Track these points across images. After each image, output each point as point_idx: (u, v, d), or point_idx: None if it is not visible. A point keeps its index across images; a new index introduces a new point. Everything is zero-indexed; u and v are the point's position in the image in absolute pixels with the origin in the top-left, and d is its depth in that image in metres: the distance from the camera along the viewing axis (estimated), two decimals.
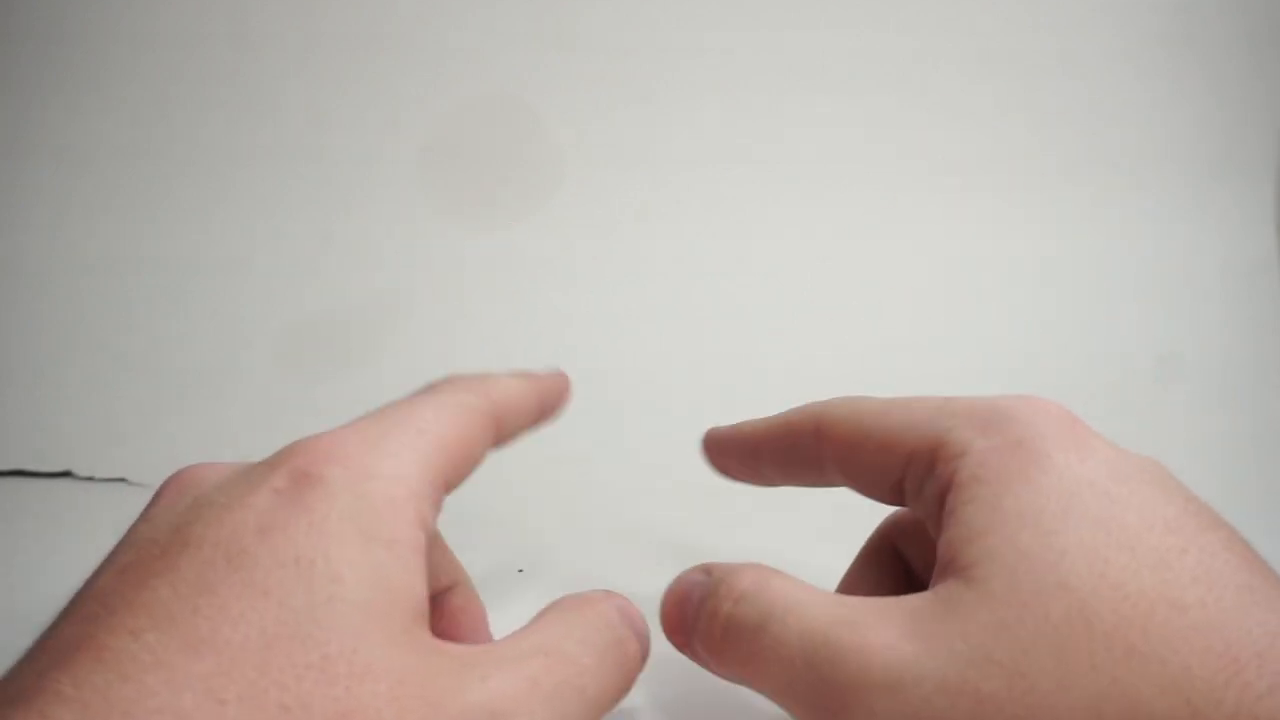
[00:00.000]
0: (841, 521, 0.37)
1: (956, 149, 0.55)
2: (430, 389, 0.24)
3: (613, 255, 0.53)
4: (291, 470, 0.20)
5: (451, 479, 0.22)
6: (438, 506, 0.22)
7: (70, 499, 0.41)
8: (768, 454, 0.27)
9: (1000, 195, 0.54)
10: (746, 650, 0.22)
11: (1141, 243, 0.54)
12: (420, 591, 0.20)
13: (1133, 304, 0.52)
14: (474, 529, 0.37)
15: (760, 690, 0.22)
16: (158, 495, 0.21)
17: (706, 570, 0.24)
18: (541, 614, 0.22)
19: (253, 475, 0.20)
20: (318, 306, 0.51)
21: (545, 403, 0.27)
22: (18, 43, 0.53)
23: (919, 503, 0.23)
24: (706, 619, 0.23)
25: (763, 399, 0.46)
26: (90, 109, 0.53)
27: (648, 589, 0.34)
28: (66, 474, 0.38)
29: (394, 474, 0.21)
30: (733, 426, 0.28)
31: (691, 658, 0.24)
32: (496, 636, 0.23)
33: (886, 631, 0.20)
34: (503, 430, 0.25)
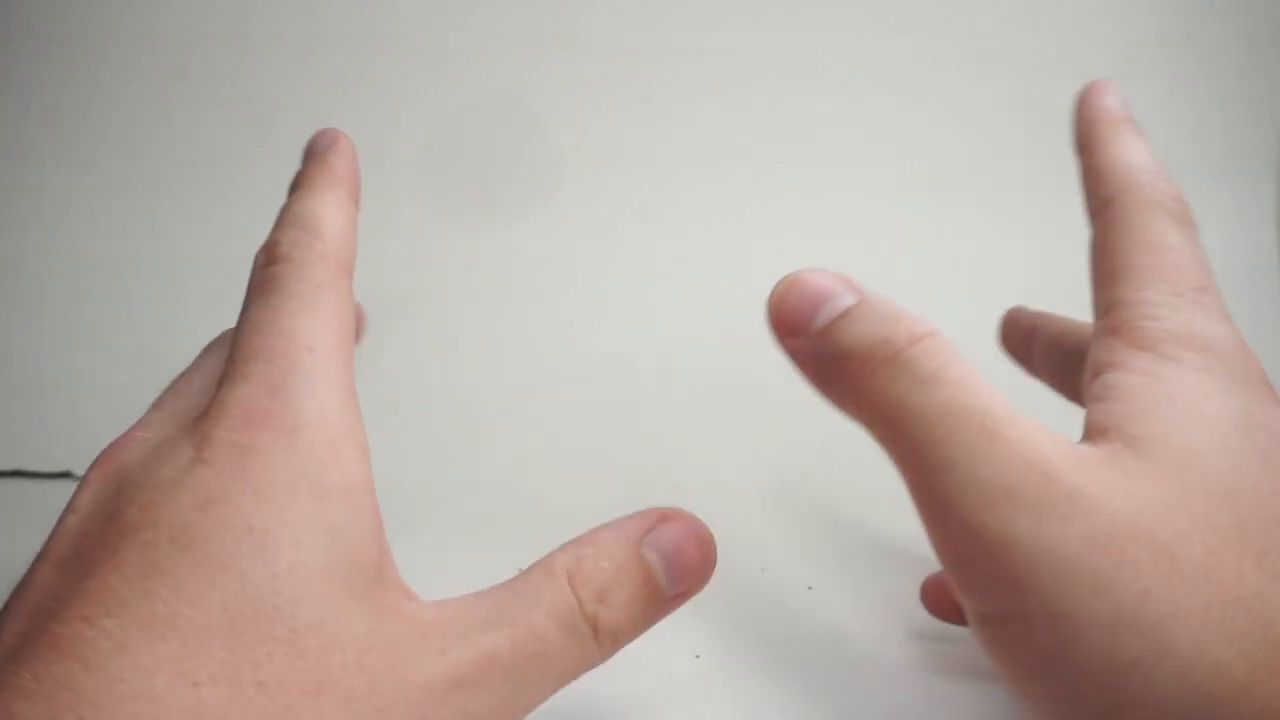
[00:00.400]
0: (847, 528, 0.37)
1: (956, 149, 0.55)
2: (272, 289, 0.22)
3: (613, 255, 0.53)
4: (218, 443, 0.19)
5: (353, 356, 0.22)
6: (355, 393, 0.21)
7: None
8: (1082, 164, 0.27)
9: (1000, 195, 0.54)
10: (900, 398, 0.20)
11: None
12: (378, 537, 0.20)
13: None
14: (476, 528, 0.37)
15: (884, 442, 0.21)
16: (82, 485, 0.20)
17: (850, 286, 0.22)
18: (528, 571, 0.21)
19: (176, 452, 0.20)
20: None
21: (356, 192, 0.25)
22: (18, 43, 0.53)
23: (1091, 352, 0.23)
24: (866, 347, 0.21)
25: (763, 398, 0.46)
26: (90, 109, 0.53)
27: None
28: (66, 474, 0.38)
29: (319, 415, 0.20)
30: (1094, 124, 0.28)
31: (790, 351, 0.22)
32: None
33: (1057, 458, 0.19)
34: (352, 263, 0.23)
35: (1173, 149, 0.56)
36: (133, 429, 0.22)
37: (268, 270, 0.22)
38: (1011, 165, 0.55)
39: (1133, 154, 0.26)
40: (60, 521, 0.20)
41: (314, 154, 0.26)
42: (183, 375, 0.25)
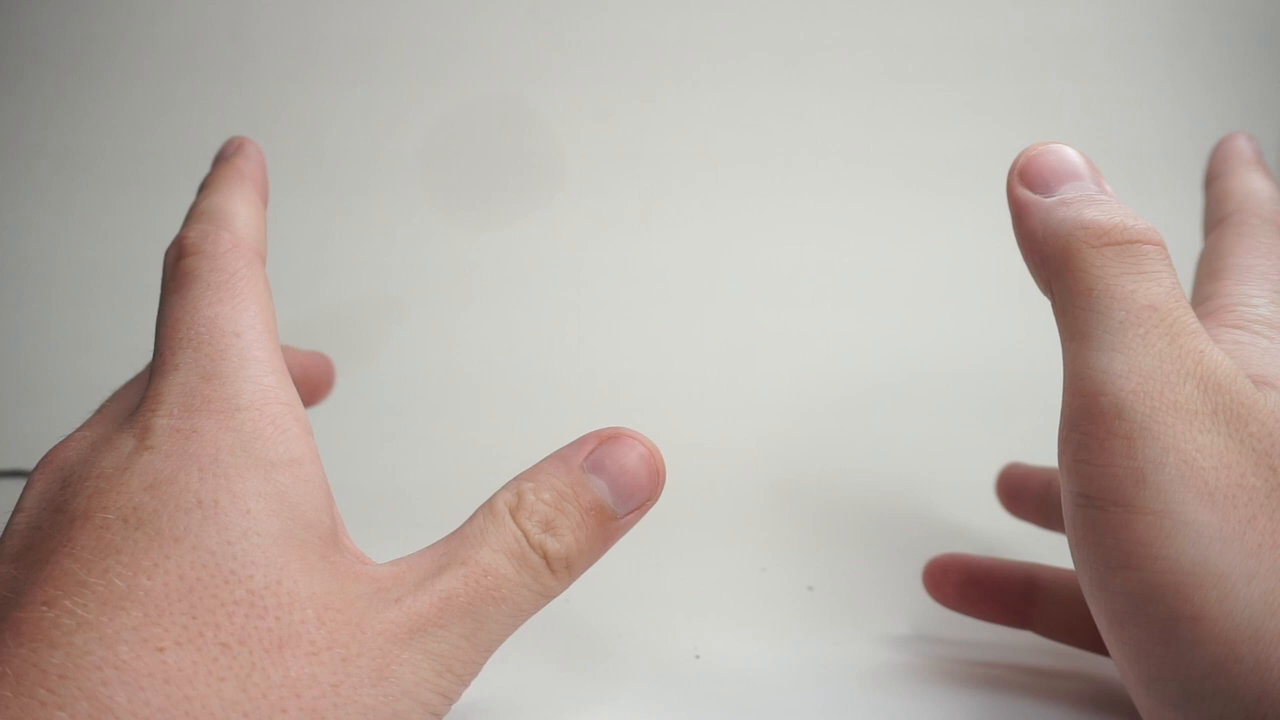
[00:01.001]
0: (852, 529, 0.37)
1: (956, 149, 0.55)
2: (188, 281, 0.22)
3: (613, 255, 0.53)
4: (160, 430, 0.20)
5: (276, 338, 0.22)
6: (288, 373, 0.21)
7: None
8: (1208, 192, 0.28)
9: (1000, 196, 0.54)
10: (1117, 275, 0.21)
11: None
12: (328, 507, 0.20)
13: None
14: None
15: (1066, 290, 0.21)
16: (28, 486, 0.21)
17: (1103, 185, 0.23)
18: (470, 517, 0.21)
19: (118, 444, 0.20)
20: (317, 306, 0.51)
21: (263, 189, 0.26)
22: (18, 43, 0.53)
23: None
24: (1110, 224, 0.21)
25: (764, 398, 0.46)
26: (90, 109, 0.53)
27: (648, 581, 0.34)
28: None
29: (258, 395, 0.20)
30: (1228, 165, 0.28)
31: (1022, 205, 0.23)
32: None
33: (1230, 371, 0.20)
34: (264, 252, 0.24)
35: (1173, 149, 0.56)
36: (75, 431, 0.22)
37: (181, 264, 0.23)
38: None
39: (1257, 182, 0.27)
40: (10, 521, 0.20)
41: (220, 159, 0.26)
42: (123, 387, 0.25)
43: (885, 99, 0.55)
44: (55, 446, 0.22)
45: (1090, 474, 0.20)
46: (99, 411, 0.24)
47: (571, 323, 0.51)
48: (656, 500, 0.22)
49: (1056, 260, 0.21)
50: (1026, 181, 0.23)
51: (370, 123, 0.53)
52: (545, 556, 0.21)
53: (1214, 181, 0.28)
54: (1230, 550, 0.18)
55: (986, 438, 0.34)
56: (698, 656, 0.29)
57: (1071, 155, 0.23)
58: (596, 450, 0.22)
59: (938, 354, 0.48)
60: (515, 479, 0.22)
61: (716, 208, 0.54)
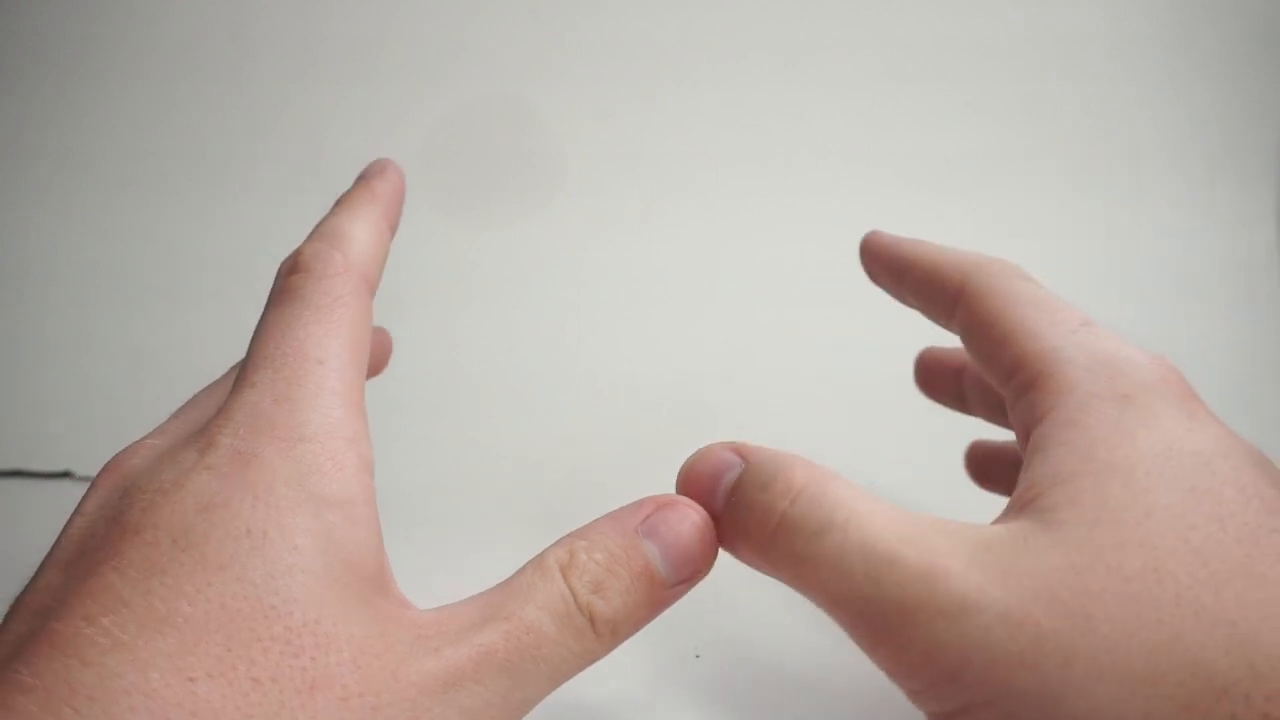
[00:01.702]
0: None
1: (956, 149, 0.55)
2: (291, 298, 0.22)
3: (613, 255, 0.53)
4: (222, 449, 0.19)
5: (365, 370, 0.22)
6: (363, 408, 0.21)
7: (70, 499, 0.41)
8: (911, 281, 0.27)
9: (1000, 196, 0.54)
10: (801, 554, 0.21)
11: (1141, 243, 0.54)
12: (376, 549, 0.20)
13: (1132, 304, 0.52)
14: (476, 529, 0.37)
15: (806, 594, 0.21)
16: (91, 490, 0.21)
17: (739, 452, 0.22)
18: (521, 569, 0.21)
19: (180, 458, 0.20)
20: None
21: (393, 213, 0.26)
22: (18, 43, 0.53)
23: (1013, 414, 0.23)
24: (757, 514, 0.21)
25: (763, 398, 0.46)
26: (91, 110, 0.53)
27: None
28: (66, 474, 0.38)
29: (323, 427, 0.20)
30: (894, 239, 0.28)
31: (724, 545, 0.23)
32: None
33: (954, 558, 0.20)
34: (376, 279, 0.24)
35: (1173, 149, 0.56)
36: (145, 437, 0.22)
37: (289, 280, 0.23)
38: (1011, 166, 0.55)
39: (950, 251, 0.27)
40: (68, 524, 0.20)
41: (361, 178, 0.27)
42: (204, 390, 0.25)
43: (885, 99, 0.55)
44: (123, 451, 0.21)
45: (926, 697, 0.20)
46: (173, 418, 0.23)
47: (571, 323, 0.51)
48: (707, 574, 0.22)
49: (757, 562, 0.22)
50: (699, 502, 0.22)
51: (370, 123, 0.53)
52: (591, 618, 0.20)
53: (908, 269, 0.27)
54: (1067, 702, 0.18)
55: (987, 438, 0.34)
56: (697, 656, 0.29)
57: (706, 455, 0.23)
58: (652, 515, 0.21)
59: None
60: (569, 536, 0.21)
61: (716, 208, 0.54)
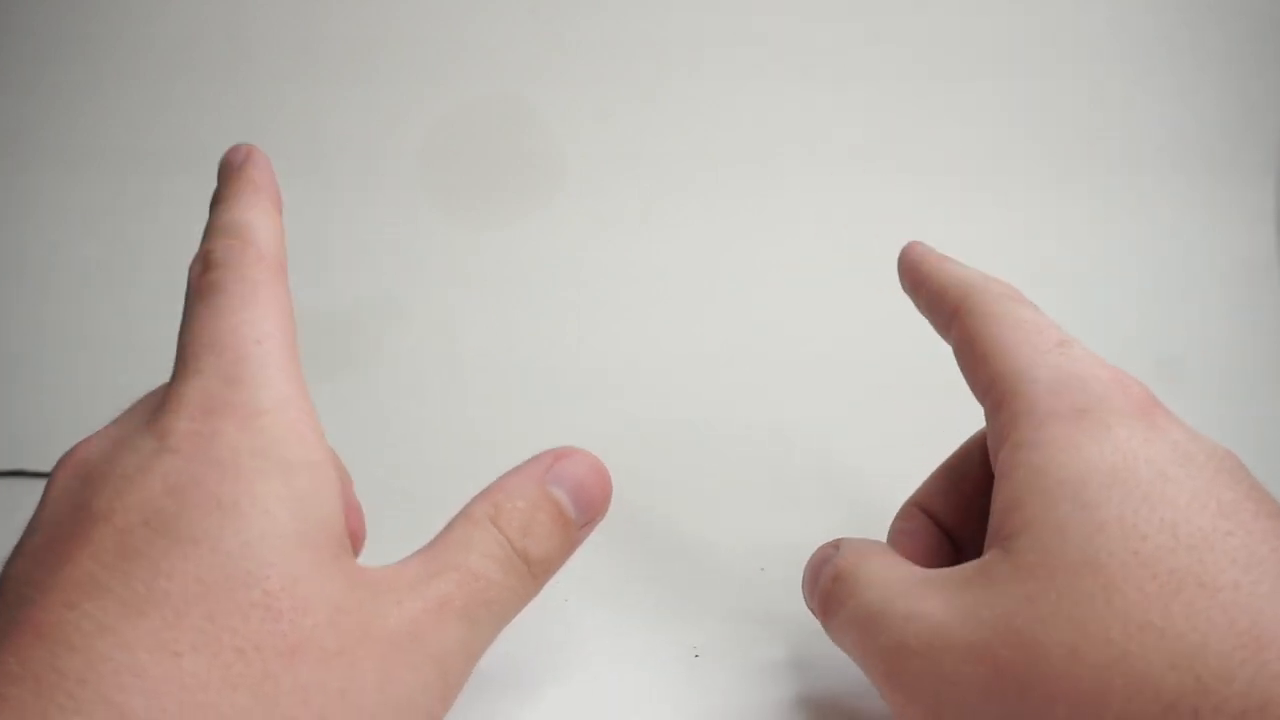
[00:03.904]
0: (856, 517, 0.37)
1: (956, 149, 0.55)
2: (212, 292, 0.22)
3: (614, 255, 0.53)
4: (181, 433, 0.20)
5: (295, 349, 0.22)
6: (304, 382, 0.22)
7: None
8: (923, 294, 0.28)
9: (1000, 196, 0.54)
10: (836, 623, 0.24)
11: (1141, 243, 0.54)
12: (339, 511, 0.21)
13: (1133, 305, 0.52)
14: None
15: (849, 655, 0.24)
16: (50, 481, 0.21)
17: (836, 545, 0.25)
18: (449, 527, 0.22)
19: (139, 445, 0.20)
20: (317, 306, 0.51)
21: (277, 197, 0.26)
22: (17, 43, 0.53)
23: (989, 437, 0.24)
24: (821, 589, 0.25)
25: (764, 398, 0.46)
26: (90, 109, 0.53)
27: (648, 580, 0.34)
28: None
29: (278, 401, 0.21)
30: (919, 255, 0.29)
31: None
32: None
33: (931, 601, 0.21)
34: (285, 262, 0.24)
35: (1173, 149, 0.56)
36: (96, 432, 0.22)
37: (205, 277, 0.23)
38: (1011, 166, 0.55)
39: (961, 269, 0.27)
40: (34, 517, 0.20)
41: (230, 168, 0.26)
42: (146, 395, 0.25)
43: (885, 98, 0.55)
44: (77, 445, 0.22)
45: None
46: (123, 415, 0.24)
47: (571, 323, 0.51)
48: (604, 514, 0.24)
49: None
50: (811, 606, 0.26)
51: (370, 123, 0.53)
52: (527, 560, 0.22)
53: (920, 287, 0.28)
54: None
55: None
56: (697, 656, 0.29)
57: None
58: (554, 465, 0.23)
59: (938, 355, 0.48)
60: (484, 492, 0.23)
61: (716, 208, 0.54)
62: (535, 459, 0.23)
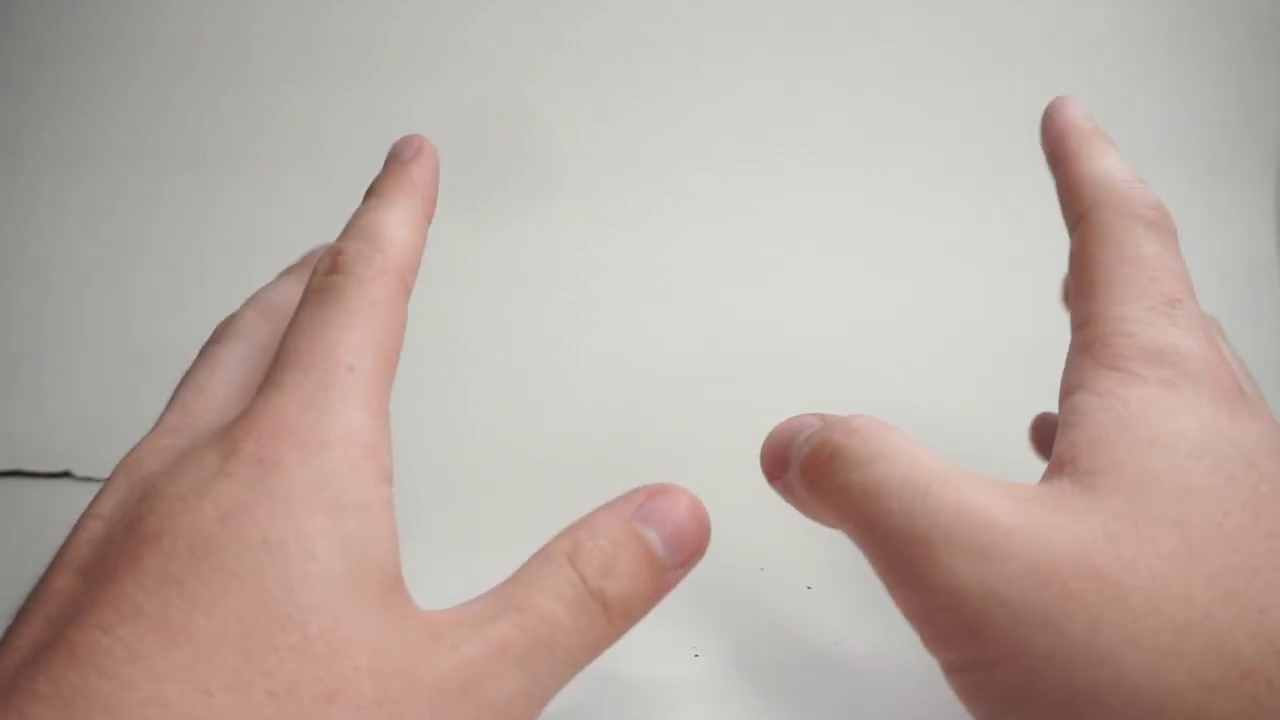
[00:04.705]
0: None
1: (956, 149, 0.55)
2: (327, 299, 0.22)
3: (614, 255, 0.53)
4: (245, 456, 0.19)
5: (393, 375, 0.22)
6: (386, 415, 0.21)
7: (70, 499, 0.41)
8: (1057, 175, 0.27)
9: (1000, 195, 0.54)
10: (845, 481, 0.21)
11: None
12: (392, 553, 0.20)
13: None
14: (477, 529, 0.37)
15: (841, 525, 0.22)
16: (106, 490, 0.21)
17: (821, 416, 0.23)
18: (526, 564, 0.21)
19: (202, 461, 0.20)
20: None
21: (430, 204, 0.25)
22: (16, 43, 0.53)
23: (1066, 368, 0.23)
24: (813, 447, 0.22)
25: (764, 398, 0.46)
26: (90, 109, 0.53)
27: None
28: (66, 474, 0.38)
29: (345, 435, 0.20)
30: (1065, 127, 0.28)
31: (779, 490, 0.24)
32: None
33: (990, 501, 0.20)
34: (413, 280, 0.24)
35: (1173, 149, 0.56)
36: (157, 434, 0.22)
37: (327, 279, 0.22)
38: (1012, 165, 0.55)
39: (1108, 163, 0.26)
40: (82, 525, 0.20)
41: (396, 161, 0.26)
42: (202, 368, 0.24)
43: (885, 98, 0.55)
44: (137, 448, 0.21)
45: (941, 645, 0.20)
46: (180, 409, 0.23)
47: (571, 323, 0.51)
48: (703, 555, 0.22)
49: (810, 504, 0.23)
50: (772, 472, 0.24)
51: (370, 123, 0.53)
52: (603, 601, 0.20)
53: (1060, 167, 0.27)
54: (1087, 665, 0.18)
55: (989, 440, 0.34)
56: (697, 656, 0.29)
57: (782, 424, 0.24)
58: (646, 502, 0.22)
59: (939, 355, 0.48)
60: (569, 528, 0.21)
61: (716, 208, 0.54)
62: (627, 495, 0.22)
